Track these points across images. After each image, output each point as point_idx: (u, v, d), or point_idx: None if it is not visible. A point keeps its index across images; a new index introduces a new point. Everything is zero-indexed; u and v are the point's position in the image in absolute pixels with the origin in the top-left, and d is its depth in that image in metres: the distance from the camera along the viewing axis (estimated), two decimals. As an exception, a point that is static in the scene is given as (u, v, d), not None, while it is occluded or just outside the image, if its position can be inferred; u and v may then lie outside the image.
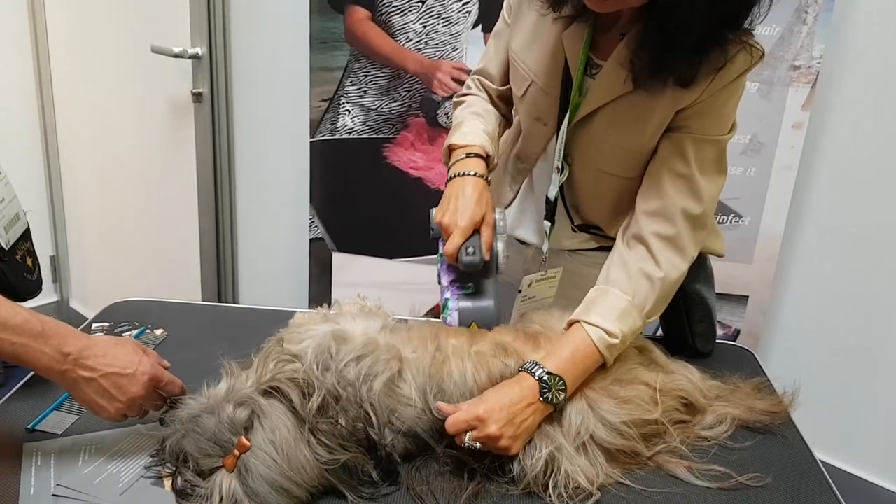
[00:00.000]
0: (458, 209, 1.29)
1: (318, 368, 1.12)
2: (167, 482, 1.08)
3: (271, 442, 1.05)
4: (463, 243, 1.27)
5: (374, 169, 2.41)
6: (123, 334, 1.49)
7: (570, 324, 1.24)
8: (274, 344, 1.18)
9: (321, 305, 1.41)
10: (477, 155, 1.37)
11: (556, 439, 1.15)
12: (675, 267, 1.28)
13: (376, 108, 2.36)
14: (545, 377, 1.14)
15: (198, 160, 2.48)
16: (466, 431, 1.10)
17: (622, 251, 1.31)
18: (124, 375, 1.08)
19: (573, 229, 1.50)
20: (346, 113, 2.37)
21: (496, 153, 1.42)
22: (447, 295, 1.31)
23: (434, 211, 1.35)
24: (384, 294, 2.55)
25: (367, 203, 2.46)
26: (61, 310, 3.31)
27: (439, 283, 1.37)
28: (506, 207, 1.57)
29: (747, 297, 2.32)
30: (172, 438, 1.07)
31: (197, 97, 2.41)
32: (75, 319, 3.27)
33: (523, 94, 1.41)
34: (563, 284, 1.49)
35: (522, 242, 1.59)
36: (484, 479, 1.12)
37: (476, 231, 1.29)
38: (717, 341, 1.57)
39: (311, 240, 2.50)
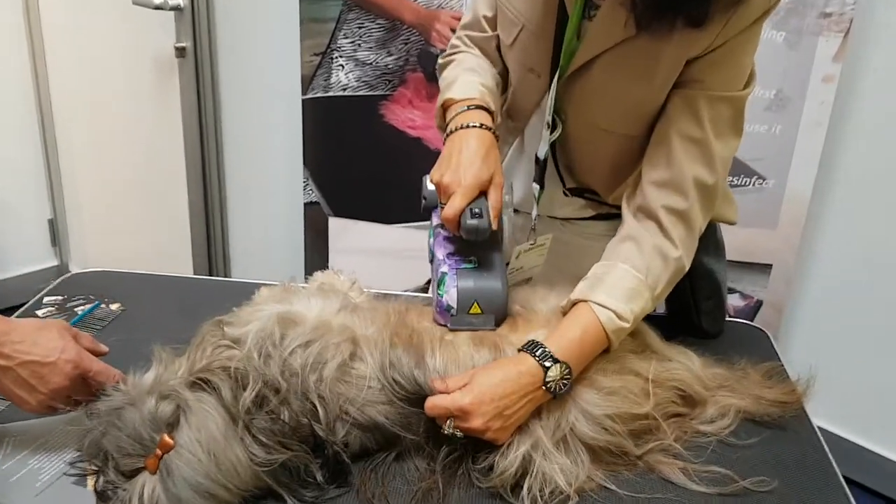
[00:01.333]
0: (460, 165, 1.09)
1: (258, 356, 1.00)
2: (90, 481, 0.97)
3: (197, 441, 0.93)
4: (466, 206, 1.07)
5: (370, 128, 2.29)
6: (76, 309, 1.38)
7: (574, 303, 1.10)
8: (211, 327, 1.06)
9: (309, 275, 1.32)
10: (480, 107, 1.19)
11: (534, 433, 1.02)
12: (688, 247, 1.14)
13: (372, 63, 2.23)
14: (551, 363, 1.00)
15: (184, 122, 2.36)
16: (447, 418, 0.99)
17: (632, 224, 1.15)
18: (45, 364, 0.97)
19: (564, 193, 1.35)
20: (340, 68, 2.25)
21: (498, 110, 1.25)
22: (444, 269, 1.11)
23: (428, 178, 1.17)
24: (383, 262, 2.46)
25: (364, 165, 2.34)
26: (61, 275, 3.22)
27: (430, 260, 1.20)
28: None
29: (770, 265, 2.17)
30: (91, 435, 0.96)
31: (180, 52, 2.28)
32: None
33: (513, 41, 1.26)
34: (555, 256, 1.35)
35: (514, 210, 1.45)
36: (450, 474, 1.01)
37: (482, 193, 1.10)
38: (728, 320, 1.42)
39: (305, 204, 2.40)
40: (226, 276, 2.56)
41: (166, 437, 0.92)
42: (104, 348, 1.07)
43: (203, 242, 2.49)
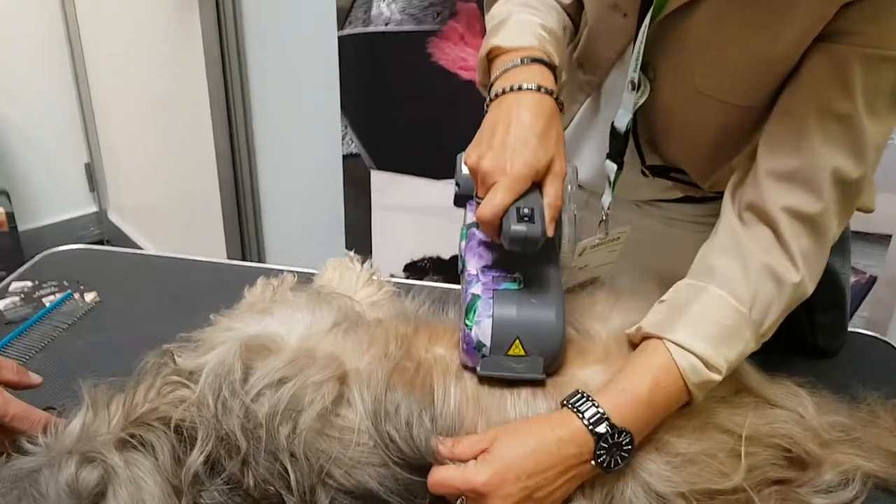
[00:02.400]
0: (507, 146, 0.78)
1: (214, 402, 0.76)
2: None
3: (127, 523, 0.70)
4: (513, 203, 0.77)
5: (416, 69, 1.99)
6: (44, 299, 1.16)
7: (644, 337, 0.81)
8: (159, 357, 0.81)
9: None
10: (537, 61, 0.86)
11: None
12: (813, 267, 0.82)
13: (417, -9, 1.92)
14: (605, 429, 0.73)
15: (206, 64, 2.09)
16: (458, 498, 0.74)
17: (737, 229, 0.84)
18: None
19: (643, 172, 1.04)
20: (381, -1, 1.94)
21: (564, 63, 0.93)
22: (474, 289, 0.82)
23: (462, 157, 0.87)
24: (432, 221, 2.18)
25: (410, 112, 2.06)
26: (101, 221, 3.08)
27: (461, 272, 0.90)
28: None
29: (890, 236, 1.81)
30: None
31: (199, -18, 2.01)
32: (114, 233, 3.04)
33: None
34: (627, 246, 1.05)
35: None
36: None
37: (536, 185, 0.80)
38: (850, 330, 1.11)
39: (344, 156, 2.13)
40: (257, 233, 2.33)
41: (88, 516, 0.69)
42: (35, 379, 0.85)
43: (231, 196, 2.26)
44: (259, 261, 2.38)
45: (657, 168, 1.03)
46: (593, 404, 0.73)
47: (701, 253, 0.85)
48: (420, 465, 0.75)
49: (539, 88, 0.82)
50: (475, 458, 0.72)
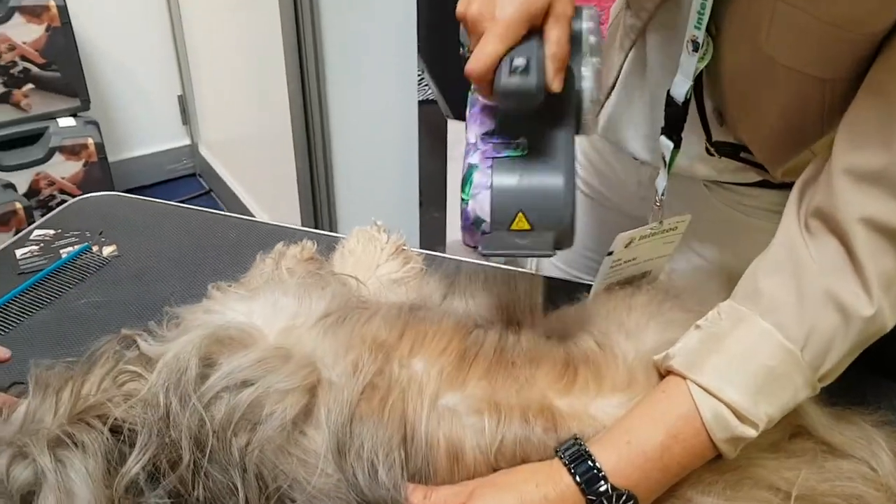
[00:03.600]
0: None
1: (163, 400, 0.67)
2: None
3: (54, 535, 0.63)
4: (506, 52, 0.66)
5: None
6: (62, 251, 1.11)
7: (668, 372, 0.67)
8: (116, 342, 0.73)
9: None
10: None
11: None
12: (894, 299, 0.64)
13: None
14: (605, 486, 0.60)
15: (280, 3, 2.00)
16: None
17: (796, 239, 0.67)
18: None
19: (708, 150, 0.87)
20: (463, -71, 1.76)
21: None
22: (472, 158, 0.72)
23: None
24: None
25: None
26: (193, 155, 3.09)
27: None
28: (608, 94, 0.97)
29: None
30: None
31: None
32: (205, 167, 3.05)
33: None
34: (697, 240, 0.90)
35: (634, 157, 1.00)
36: None
37: (535, 32, 0.67)
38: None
39: (420, 102, 2.00)
40: (327, 181, 2.24)
41: (14, 524, 0.63)
42: (3, 354, 0.79)
43: (303, 141, 2.17)
44: (329, 209, 2.29)
45: (724, 146, 0.85)
46: (589, 458, 0.60)
47: (752, 267, 0.68)
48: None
49: None
50: None
